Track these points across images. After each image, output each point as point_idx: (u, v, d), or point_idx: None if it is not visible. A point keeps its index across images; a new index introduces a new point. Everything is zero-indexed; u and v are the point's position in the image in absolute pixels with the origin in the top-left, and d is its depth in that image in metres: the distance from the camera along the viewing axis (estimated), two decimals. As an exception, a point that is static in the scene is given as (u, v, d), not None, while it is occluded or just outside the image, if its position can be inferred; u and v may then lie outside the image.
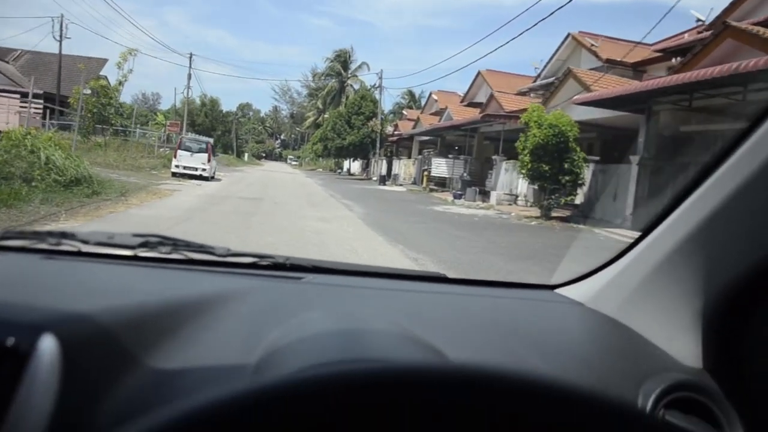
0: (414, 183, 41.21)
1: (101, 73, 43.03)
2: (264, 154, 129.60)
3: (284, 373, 0.47)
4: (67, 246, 1.30)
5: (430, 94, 58.76)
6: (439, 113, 46.52)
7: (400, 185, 40.21)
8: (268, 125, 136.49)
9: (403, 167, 46.17)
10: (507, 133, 27.87)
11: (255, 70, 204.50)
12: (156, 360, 0.81)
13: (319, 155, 69.85)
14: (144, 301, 0.99)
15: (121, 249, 1.33)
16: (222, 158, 63.38)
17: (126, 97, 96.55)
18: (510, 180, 26.26)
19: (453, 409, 0.48)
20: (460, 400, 0.49)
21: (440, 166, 33.45)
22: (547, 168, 18.18)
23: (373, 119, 48.52)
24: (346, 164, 69.56)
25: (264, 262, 1.41)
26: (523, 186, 24.77)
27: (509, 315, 1.34)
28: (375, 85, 50.52)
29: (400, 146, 53.28)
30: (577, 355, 1.12)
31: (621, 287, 1.22)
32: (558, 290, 1.47)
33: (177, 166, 27.78)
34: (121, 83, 37.50)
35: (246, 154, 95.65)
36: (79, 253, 1.31)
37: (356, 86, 70.74)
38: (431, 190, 32.80)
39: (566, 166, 18.03)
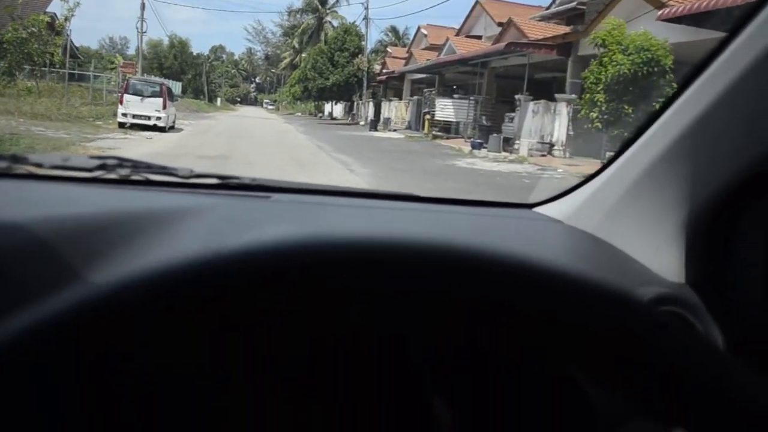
0: (409, 128, 35.53)
1: (49, 11, 36.45)
2: (239, 99, 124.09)
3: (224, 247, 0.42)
4: (19, 170, 1.20)
5: (419, 29, 52.62)
6: (431, 48, 40.70)
7: (394, 131, 34.47)
8: (242, 68, 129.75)
9: (395, 110, 40.34)
10: (532, 68, 22.38)
11: (228, 10, 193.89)
12: (99, 273, 0.77)
13: (298, 98, 63.71)
14: (91, 213, 0.94)
15: (77, 171, 1.23)
16: (191, 104, 57.01)
17: (92, 42, 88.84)
18: (541, 125, 20.73)
19: (427, 287, 0.44)
20: (436, 274, 0.44)
21: (446, 109, 27.70)
22: (629, 110, 12.65)
23: (360, 56, 42.35)
24: (327, 108, 63.35)
25: (230, 183, 1.32)
26: (560, 132, 19.27)
27: (484, 233, 1.28)
28: (361, 17, 43.68)
29: (389, 87, 47.25)
30: None
31: (600, 203, 1.19)
32: (536, 209, 1.42)
33: (124, 115, 21.88)
34: (67, 18, 31.26)
35: (219, 99, 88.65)
36: (31, 176, 1.22)
37: (335, 23, 63.80)
38: (435, 137, 27.21)
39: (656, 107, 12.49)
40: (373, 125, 34.98)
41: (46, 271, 0.73)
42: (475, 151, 20.84)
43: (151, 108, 21.91)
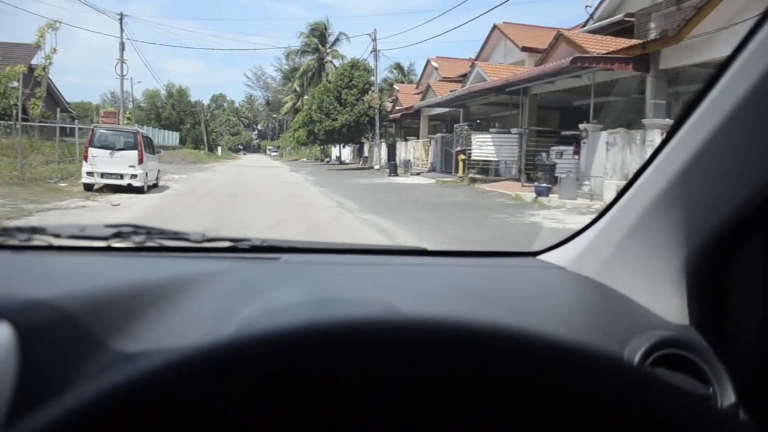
0: (433, 170, 30.69)
1: (33, 63, 32.14)
2: (241, 147, 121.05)
3: (236, 334, 0.44)
4: (38, 241, 1.25)
5: (428, 62, 48.32)
6: (444, 81, 36.21)
7: (417, 174, 29.61)
8: (243, 116, 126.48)
9: (412, 151, 35.60)
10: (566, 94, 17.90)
11: (227, 60, 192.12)
12: (121, 342, 0.80)
13: (302, 143, 59.15)
14: (110, 285, 0.97)
15: (93, 241, 1.27)
16: (188, 154, 52.54)
17: (94, 97, 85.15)
18: (621, 160, 15.79)
19: (424, 366, 0.45)
20: (430, 354, 0.45)
21: (484, 146, 22.77)
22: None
23: (370, 91, 37.76)
24: (334, 151, 58.76)
25: (241, 245, 1.36)
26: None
27: (489, 283, 1.32)
28: (368, 50, 39.00)
29: (402, 126, 42.60)
30: (559, 318, 1.09)
31: (601, 248, 1.20)
32: (540, 256, 1.43)
33: (90, 174, 17.05)
34: (44, 68, 26.98)
35: (219, 148, 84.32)
36: (51, 247, 1.27)
37: (337, 62, 59.56)
38: (473, 181, 22.25)
39: None
40: (393, 169, 30.14)
41: (74, 345, 0.76)
42: (542, 199, 15.85)
43: (123, 164, 17.06)
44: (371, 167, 38.71)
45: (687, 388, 0.89)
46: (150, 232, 1.29)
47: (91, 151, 17.12)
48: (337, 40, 66.60)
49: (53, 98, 37.20)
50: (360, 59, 39.53)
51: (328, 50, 66.37)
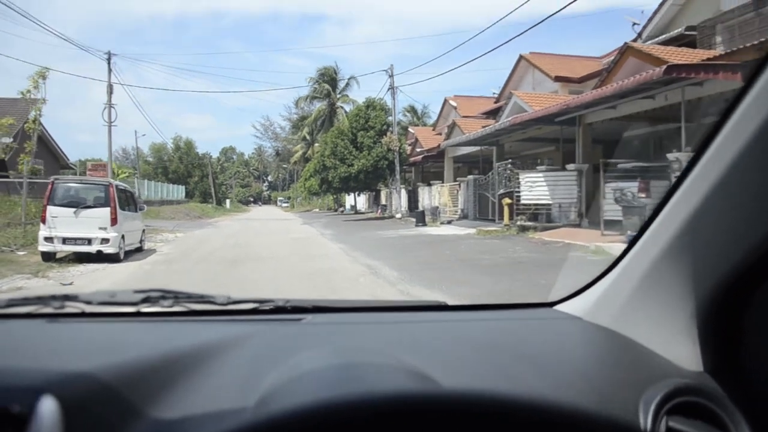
0: (464, 217, 26.71)
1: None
2: (252, 199, 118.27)
3: (274, 410, 0.50)
4: (71, 308, 1.29)
5: (446, 101, 44.96)
6: (470, 119, 32.67)
7: (448, 223, 25.59)
8: (253, 167, 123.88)
9: (437, 196, 31.70)
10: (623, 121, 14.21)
11: (237, 114, 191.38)
12: (157, 411, 0.82)
13: (314, 192, 55.51)
14: (144, 355, 0.99)
15: (123, 306, 1.32)
16: (194, 208, 48.89)
17: (101, 153, 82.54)
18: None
19: None
20: (452, 427, 0.49)
21: (536, 186, 18.82)
22: None
23: (388, 133, 34.05)
24: (348, 200, 55.01)
25: (265, 307, 1.38)
26: None
27: (509, 337, 1.31)
28: (385, 89, 35.49)
29: (423, 170, 38.86)
30: (577, 370, 1.10)
31: (616, 298, 1.21)
32: (556, 307, 1.44)
33: (48, 240, 13.19)
34: (34, 121, 23.46)
35: (228, 201, 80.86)
36: (83, 314, 1.30)
37: (348, 107, 56.25)
38: (523, 229, 18.19)
39: None
40: (420, 218, 26.12)
41: (113, 415, 0.77)
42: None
43: (91, 225, 13.18)
44: (392, 216, 34.76)
45: None
46: (177, 296, 1.32)
47: (51, 210, 13.29)
48: (347, 85, 63.53)
49: (53, 155, 33.91)
50: (376, 98, 35.92)
51: (339, 95, 63.35)
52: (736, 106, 0.82)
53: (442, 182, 32.29)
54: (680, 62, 13.93)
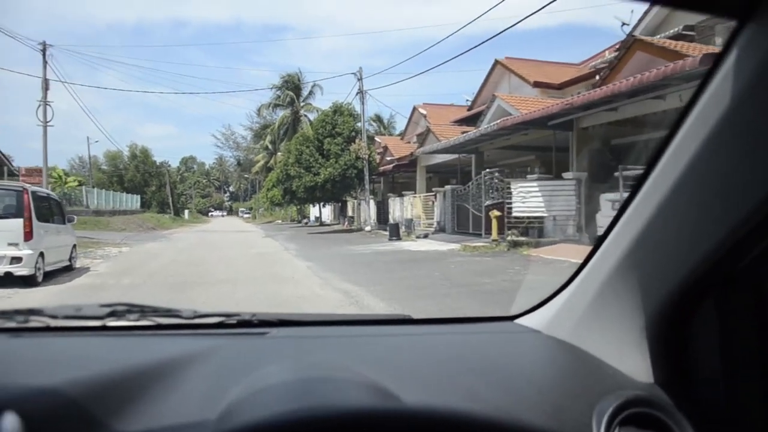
0: (441, 230, 24.51)
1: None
2: (212, 209, 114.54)
3: (235, 424, 0.50)
4: (35, 322, 1.28)
5: (414, 109, 42.92)
6: (446, 126, 30.80)
7: (424, 237, 23.30)
8: (214, 177, 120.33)
9: (410, 207, 29.46)
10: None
11: (200, 124, 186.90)
12: (122, 425, 0.82)
13: (277, 203, 52.87)
14: (109, 369, 0.99)
15: (89, 320, 1.31)
16: (149, 219, 45.73)
17: (62, 162, 78.17)
18: None
19: None
20: None
21: (530, 197, 16.67)
22: None
23: (357, 140, 31.72)
24: (313, 212, 52.46)
25: (231, 321, 1.38)
26: None
27: (470, 351, 1.33)
28: (353, 92, 32.98)
29: (394, 180, 36.62)
30: (533, 384, 1.12)
31: (572, 312, 1.23)
32: (517, 320, 1.46)
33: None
34: None
35: (187, 212, 77.37)
36: (48, 329, 1.29)
37: (312, 116, 53.74)
38: (515, 245, 16.00)
39: None
40: (394, 232, 23.74)
41: (77, 430, 0.78)
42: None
43: (-1, 241, 10.57)
44: (360, 229, 32.36)
45: None
46: (144, 310, 1.32)
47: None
48: (311, 93, 61.11)
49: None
50: (343, 103, 33.53)
51: (303, 104, 60.83)
52: (684, 119, 0.83)
53: (415, 193, 30.10)
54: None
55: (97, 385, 0.90)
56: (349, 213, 42.41)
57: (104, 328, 1.32)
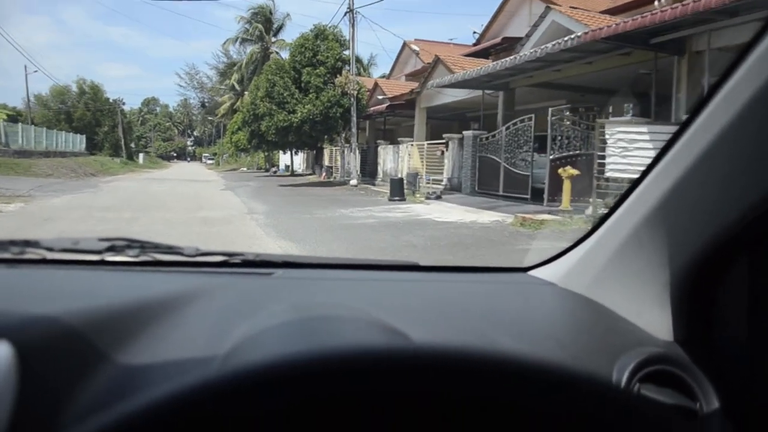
0: (455, 189, 18.45)
1: None
2: (175, 154, 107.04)
3: (242, 362, 0.49)
4: (32, 254, 1.23)
5: (404, 45, 36.46)
6: (424, 70, 24.71)
7: (436, 197, 17.12)
8: (178, 120, 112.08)
9: (407, 159, 23.26)
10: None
11: (166, 65, 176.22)
12: (124, 357, 0.81)
13: (242, 148, 46.09)
14: (109, 302, 0.96)
15: (87, 254, 1.26)
16: (92, 163, 38.77)
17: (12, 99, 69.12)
18: None
19: (416, 393, 0.48)
20: (422, 382, 0.49)
21: (632, 149, 10.46)
22: None
23: (344, 71, 25.07)
24: (283, 159, 45.85)
25: (234, 260, 1.34)
26: None
27: (481, 299, 1.31)
28: (339, 15, 25.68)
29: (385, 127, 30.17)
30: (550, 335, 1.10)
31: (591, 265, 1.20)
32: (530, 272, 1.42)
33: None
34: None
35: (142, 156, 69.67)
36: (44, 261, 1.26)
37: (285, 55, 46.47)
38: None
39: None
40: (397, 190, 17.38)
41: (76, 362, 0.75)
42: None
43: None
44: (345, 182, 26.03)
45: (674, 402, 0.91)
46: (144, 246, 1.28)
47: None
48: (282, 26, 53.68)
49: None
50: (328, 26, 26.57)
51: (274, 39, 53.47)
52: (729, 77, 0.80)
53: (413, 140, 23.88)
54: None
55: (96, 317, 0.85)
56: (326, 162, 36.05)
57: (103, 262, 1.25)
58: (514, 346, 0.99)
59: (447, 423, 0.48)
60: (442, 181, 19.70)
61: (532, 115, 15.31)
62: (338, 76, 24.71)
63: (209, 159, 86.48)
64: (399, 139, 24.39)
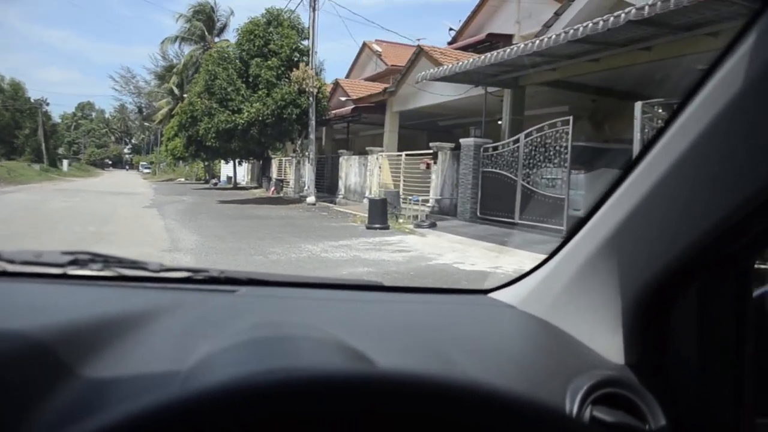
0: (446, 213, 14.14)
1: None
2: (110, 162, 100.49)
3: (199, 384, 0.50)
4: None
5: (364, 47, 32.29)
6: (392, 72, 21.52)
7: (429, 225, 12.65)
8: (114, 127, 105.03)
9: (377, 172, 18.84)
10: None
11: (106, 72, 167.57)
12: (86, 374, 0.79)
13: (180, 157, 40.80)
14: (72, 317, 0.95)
15: (49, 267, 1.24)
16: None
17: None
18: None
19: (368, 415, 0.49)
20: (375, 405, 0.49)
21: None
22: None
23: (302, 65, 20.37)
24: (224, 170, 40.80)
25: (198, 276, 1.33)
26: None
27: (442, 319, 1.30)
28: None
29: (347, 132, 25.66)
30: (507, 357, 1.12)
31: (549, 289, 1.22)
32: (491, 294, 1.43)
33: None
34: None
35: (66, 162, 62.90)
36: (5, 273, 1.22)
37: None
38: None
39: None
40: (378, 214, 12.76)
41: (38, 377, 0.73)
42: None
43: None
44: (300, 199, 21.32)
45: (624, 423, 0.92)
46: (108, 260, 1.26)
47: None
48: (226, 25, 48.49)
49: None
50: (283, 10, 21.72)
51: (217, 39, 48.20)
52: (690, 102, 0.81)
53: (382, 150, 19.48)
54: None
55: (59, 332, 0.84)
56: (274, 174, 31.32)
57: (65, 276, 1.23)
58: (472, 368, 1.00)
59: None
60: (428, 202, 15.32)
61: (570, 118, 11.14)
62: (295, 70, 20.05)
63: (146, 168, 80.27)
64: (368, 148, 19.89)
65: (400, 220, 13.63)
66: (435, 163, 15.63)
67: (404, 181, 17.38)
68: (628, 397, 0.95)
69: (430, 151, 15.93)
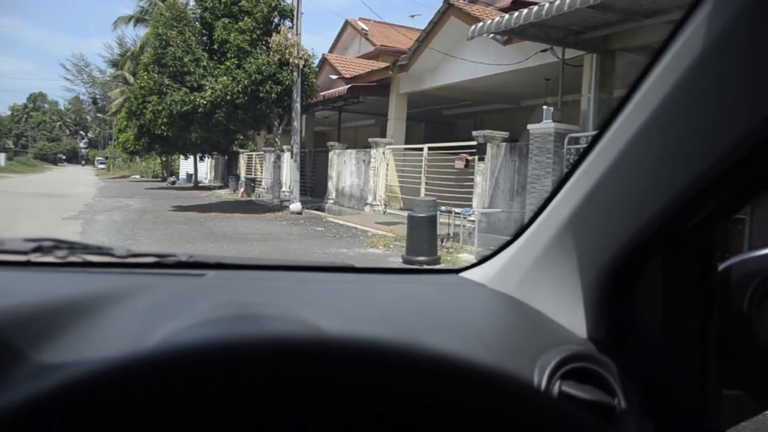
0: (496, 232, 9.46)
1: None
2: (64, 157, 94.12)
3: (154, 348, 0.48)
4: None
5: (347, 25, 27.78)
6: (382, 53, 19.22)
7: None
8: (69, 119, 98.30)
9: (382, 172, 14.16)
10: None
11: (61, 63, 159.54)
12: (41, 358, 0.78)
13: (133, 151, 35.48)
14: (28, 301, 0.92)
15: (12, 255, 1.20)
16: None
17: None
18: None
19: (323, 379, 0.48)
20: (332, 369, 0.48)
21: None
22: None
23: (282, 29, 15.46)
24: (184, 166, 35.58)
25: (166, 261, 1.30)
26: None
27: (412, 299, 1.31)
28: None
29: (338, 120, 20.87)
30: (476, 333, 1.11)
31: (518, 266, 1.22)
32: (462, 274, 1.42)
33: None
34: None
35: (3, 156, 56.50)
36: None
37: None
38: None
39: None
40: (423, 239, 8.06)
41: None
42: None
43: None
44: (279, 205, 16.43)
45: (593, 398, 0.93)
46: (73, 246, 1.24)
47: None
48: (187, 2, 43.04)
49: None
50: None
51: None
52: (645, 78, 0.83)
53: (386, 143, 14.79)
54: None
55: (16, 315, 0.83)
56: (242, 172, 26.38)
57: (28, 263, 1.20)
58: (439, 342, 1.00)
59: (356, 411, 0.47)
60: (470, 215, 10.63)
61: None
62: (274, 35, 15.12)
63: (101, 163, 74.31)
64: (371, 140, 15.10)
65: (447, 245, 8.93)
66: (474, 161, 10.99)
67: (426, 184, 12.72)
68: (597, 372, 0.96)
69: (469, 145, 11.29)
